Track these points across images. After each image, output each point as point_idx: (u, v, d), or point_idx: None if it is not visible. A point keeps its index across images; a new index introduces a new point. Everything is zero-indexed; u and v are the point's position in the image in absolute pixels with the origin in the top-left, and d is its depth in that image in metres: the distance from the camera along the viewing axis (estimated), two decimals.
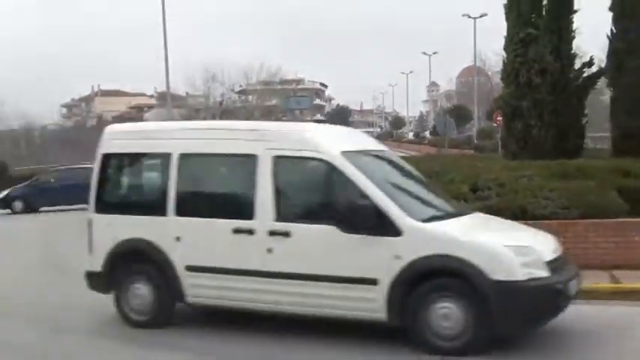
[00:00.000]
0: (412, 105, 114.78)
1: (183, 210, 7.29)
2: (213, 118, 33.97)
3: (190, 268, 7.13)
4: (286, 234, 6.72)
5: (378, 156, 7.98)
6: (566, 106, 14.27)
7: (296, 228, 6.74)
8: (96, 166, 7.90)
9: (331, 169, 6.82)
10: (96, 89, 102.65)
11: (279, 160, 6.92)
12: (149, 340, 7.10)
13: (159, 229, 7.37)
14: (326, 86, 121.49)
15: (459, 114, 59.21)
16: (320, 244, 6.71)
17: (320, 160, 6.91)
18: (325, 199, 7.30)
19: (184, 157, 7.35)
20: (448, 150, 36.10)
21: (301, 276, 6.65)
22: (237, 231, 6.92)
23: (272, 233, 6.76)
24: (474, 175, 11.24)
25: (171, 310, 7.46)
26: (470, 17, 54.64)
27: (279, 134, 7.45)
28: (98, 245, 7.69)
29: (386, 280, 6.27)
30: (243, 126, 8.97)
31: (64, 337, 7.52)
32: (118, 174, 8.38)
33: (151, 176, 8.18)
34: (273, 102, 76.82)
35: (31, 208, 27.18)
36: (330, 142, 7.18)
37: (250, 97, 74.11)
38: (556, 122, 14.15)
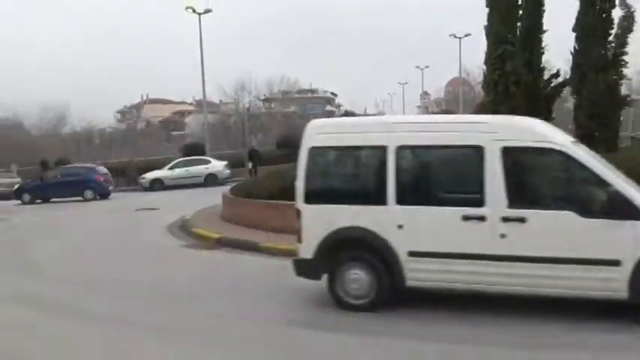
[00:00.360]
0: (408, 110, 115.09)
1: (404, 199, 6.62)
2: (242, 123, 34.07)
3: (413, 254, 6.52)
4: (521, 220, 6.18)
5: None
6: (537, 111, 14.33)
7: (532, 214, 6.19)
8: (303, 159, 7.12)
9: (566, 158, 6.36)
10: (145, 98, 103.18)
11: (507, 151, 6.34)
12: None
13: (379, 218, 6.69)
14: (336, 95, 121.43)
15: None
16: (558, 229, 6.15)
17: (553, 150, 6.38)
18: (560, 186, 6.93)
19: (402, 149, 6.69)
20: None
21: (537, 259, 6.13)
22: (466, 218, 6.36)
23: (505, 219, 6.22)
24: None
25: (387, 294, 6.71)
26: (456, 37, 54.65)
27: (505, 127, 6.85)
28: (309, 234, 7.00)
29: (629, 260, 5.81)
30: (465, 119, 8.38)
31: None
32: (329, 166, 7.56)
33: (365, 168, 7.35)
34: (292, 108, 77.25)
35: (39, 200, 27.14)
36: (555, 134, 6.77)
37: (273, 104, 74.60)
38: None
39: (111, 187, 28.73)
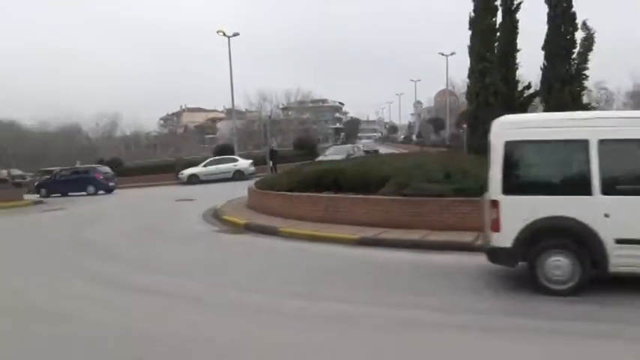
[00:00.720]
0: (403, 117, 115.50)
1: (609, 190, 5.97)
2: (265, 128, 34.09)
3: (620, 241, 5.89)
4: None
5: None
6: None
7: None
8: (497, 153, 6.40)
9: None
10: (183, 107, 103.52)
11: None
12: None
13: (584, 207, 6.02)
14: (343, 104, 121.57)
15: (436, 123, 59.32)
16: None
17: None
18: None
19: (605, 142, 6.01)
20: (429, 148, 36.02)
21: None
22: None
23: None
24: (447, 166, 11.29)
25: (588, 280, 6.02)
26: (443, 54, 54.33)
27: None
28: (507, 223, 6.23)
29: None
30: None
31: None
32: (527, 159, 6.62)
33: (566, 160, 6.49)
34: (306, 115, 77.31)
35: (54, 194, 27.63)
36: None
37: (290, 112, 74.69)
38: None
39: (112, 184, 28.69)
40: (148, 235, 12.01)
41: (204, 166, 31.99)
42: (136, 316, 5.87)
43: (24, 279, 8.15)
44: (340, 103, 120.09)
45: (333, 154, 31.63)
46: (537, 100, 16.72)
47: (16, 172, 37.71)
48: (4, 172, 33.20)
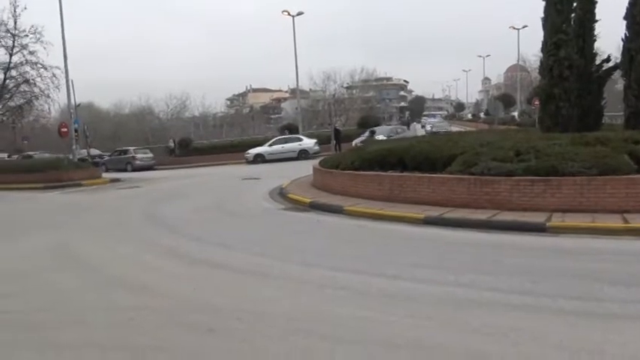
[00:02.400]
0: (470, 94, 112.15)
1: None
2: (329, 107, 34.16)
3: None
4: None
5: None
6: (589, 92, 13.93)
7: None
8: None
9: None
10: (249, 87, 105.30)
11: None
12: None
13: None
14: (407, 82, 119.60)
15: (506, 100, 57.28)
16: None
17: None
18: None
19: None
20: (497, 126, 34.81)
21: None
22: None
23: None
24: (517, 144, 10.90)
25: None
26: (515, 28, 52.16)
27: None
28: None
29: None
30: None
31: None
32: None
33: None
34: (370, 94, 76.58)
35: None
36: None
37: (354, 91, 74.21)
38: (580, 104, 13.76)
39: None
40: (217, 212, 12.41)
41: (270, 145, 32.54)
42: (205, 290, 6.11)
43: (103, 253, 8.68)
44: (405, 81, 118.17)
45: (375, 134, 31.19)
46: (617, 73, 15.74)
47: (94, 151, 39.89)
48: (84, 151, 35.22)
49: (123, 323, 5.04)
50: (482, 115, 74.04)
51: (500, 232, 8.31)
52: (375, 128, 35.28)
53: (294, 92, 66.09)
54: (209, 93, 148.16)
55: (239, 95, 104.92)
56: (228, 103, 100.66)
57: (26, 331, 5.05)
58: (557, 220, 8.45)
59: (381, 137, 25.72)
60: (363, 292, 5.61)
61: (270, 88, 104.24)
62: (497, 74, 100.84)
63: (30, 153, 38.90)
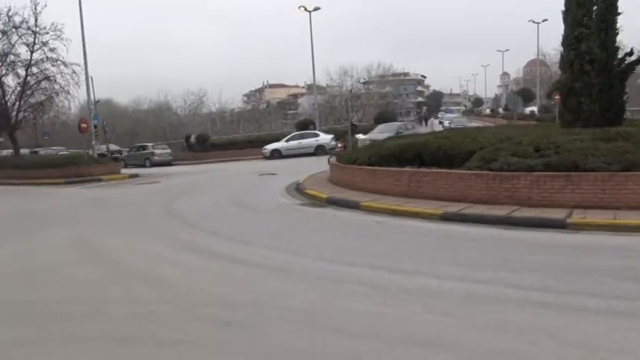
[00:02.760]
0: (489, 89, 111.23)
1: None
2: (346, 102, 34.06)
3: None
4: None
5: None
6: (610, 86, 13.60)
7: None
8: None
9: None
10: (265, 83, 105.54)
11: None
12: None
13: None
14: (425, 77, 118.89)
15: (525, 95, 56.66)
16: None
17: None
18: None
19: None
20: (516, 121, 34.43)
21: None
22: None
23: None
24: (537, 139, 10.78)
25: None
26: (534, 22, 51.50)
27: None
28: None
29: None
30: None
31: None
32: None
33: None
34: (387, 89, 76.24)
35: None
36: None
37: (371, 86, 73.93)
38: (602, 99, 13.44)
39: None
40: (235, 208, 12.48)
41: (287, 141, 32.60)
42: (223, 283, 6.17)
43: (123, 247, 8.79)
44: (422, 76, 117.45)
45: (379, 132, 30.72)
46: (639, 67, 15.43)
47: (113, 147, 40.37)
48: (103, 147, 35.66)
49: (143, 316, 5.11)
50: (500, 110, 73.35)
51: (520, 228, 8.23)
52: (379, 126, 34.35)
53: (310, 88, 66.09)
54: (226, 89, 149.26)
55: (256, 91, 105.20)
56: (245, 99, 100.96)
57: (49, 321, 5.15)
58: (577, 216, 8.33)
59: (384, 137, 24.97)
60: (381, 287, 5.60)
61: (286, 83, 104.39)
62: (516, 69, 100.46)
63: (36, 149, 39.66)
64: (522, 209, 9.11)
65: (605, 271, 5.74)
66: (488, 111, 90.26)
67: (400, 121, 46.66)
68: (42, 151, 37.79)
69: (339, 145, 22.35)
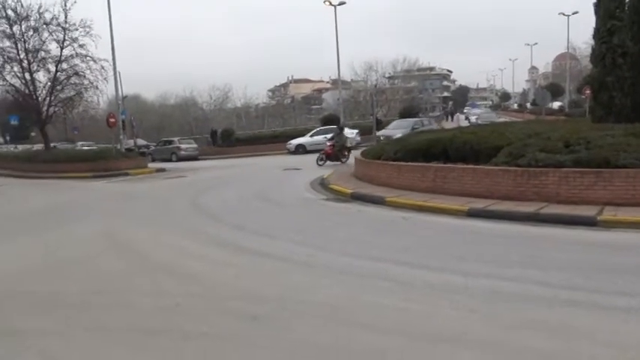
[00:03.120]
0: (516, 84, 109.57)
1: None
2: (370, 97, 33.89)
3: None
4: None
5: None
6: None
7: None
8: None
9: None
10: (290, 78, 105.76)
11: None
12: None
13: None
14: (451, 71, 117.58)
15: (554, 89, 55.58)
16: None
17: None
18: None
19: None
20: (545, 116, 33.80)
21: None
22: None
23: None
24: (567, 134, 10.57)
25: None
26: (564, 15, 50.38)
27: None
28: None
29: None
30: None
31: None
32: None
33: None
34: (412, 84, 75.62)
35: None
36: None
37: (396, 81, 73.43)
38: (634, 93, 13.10)
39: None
40: (260, 202, 12.54)
41: (311, 136, 32.63)
42: (248, 277, 6.21)
43: (150, 240, 8.93)
44: (448, 70, 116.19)
45: (394, 128, 30.40)
46: None
47: (140, 141, 40.99)
48: (131, 141, 36.25)
49: (169, 308, 5.19)
50: (528, 105, 72.17)
51: (549, 225, 8.10)
52: (395, 122, 33.65)
53: (335, 83, 65.99)
54: (251, 84, 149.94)
55: (280, 86, 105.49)
56: (270, 94, 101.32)
57: (78, 312, 5.26)
58: (609, 214, 8.15)
59: (399, 133, 24.58)
60: (406, 283, 5.58)
61: (311, 78, 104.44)
62: (545, 63, 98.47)
63: (53, 144, 40.39)
64: (551, 206, 8.96)
65: (637, 270, 5.61)
66: (515, 106, 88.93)
67: (424, 116, 46.26)
68: (59, 146, 38.40)
69: (328, 143, 22.21)
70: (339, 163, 21.16)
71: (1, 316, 5.20)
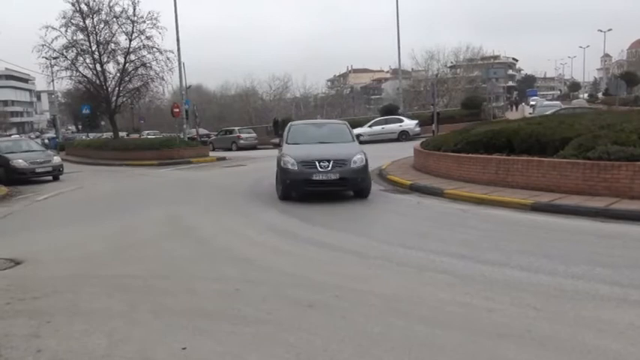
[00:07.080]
0: (587, 73, 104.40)
1: None
2: (431, 87, 33.22)
3: None
4: None
5: None
6: None
7: None
8: None
9: None
10: (349, 68, 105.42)
11: None
12: None
13: None
14: (516, 60, 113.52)
15: (629, 78, 52.46)
16: None
17: None
18: None
19: None
20: (618, 107, 32.05)
21: None
22: None
23: None
24: None
25: None
26: None
27: None
28: None
29: None
30: None
31: None
32: None
33: None
34: (475, 73, 73.55)
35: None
36: None
37: (459, 70, 71.59)
38: None
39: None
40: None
41: (370, 126, 32.41)
42: (306, 266, 6.28)
43: (212, 226, 9.19)
44: (514, 59, 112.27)
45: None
46: None
47: (202, 131, 42.08)
48: (193, 131, 37.27)
49: (229, 294, 5.32)
50: (600, 95, 68.76)
51: (620, 221, 7.71)
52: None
53: (395, 72, 65.10)
54: (310, 74, 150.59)
55: (340, 76, 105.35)
56: (329, 84, 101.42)
57: (144, 295, 5.48)
58: None
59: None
60: (465, 277, 5.47)
61: (370, 68, 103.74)
62: (619, 50, 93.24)
63: (123, 133, 42.57)
64: (623, 201, 8.51)
65: None
66: (586, 96, 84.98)
67: (495, 106, 44.90)
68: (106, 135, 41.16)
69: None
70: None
71: (72, 299, 5.48)
